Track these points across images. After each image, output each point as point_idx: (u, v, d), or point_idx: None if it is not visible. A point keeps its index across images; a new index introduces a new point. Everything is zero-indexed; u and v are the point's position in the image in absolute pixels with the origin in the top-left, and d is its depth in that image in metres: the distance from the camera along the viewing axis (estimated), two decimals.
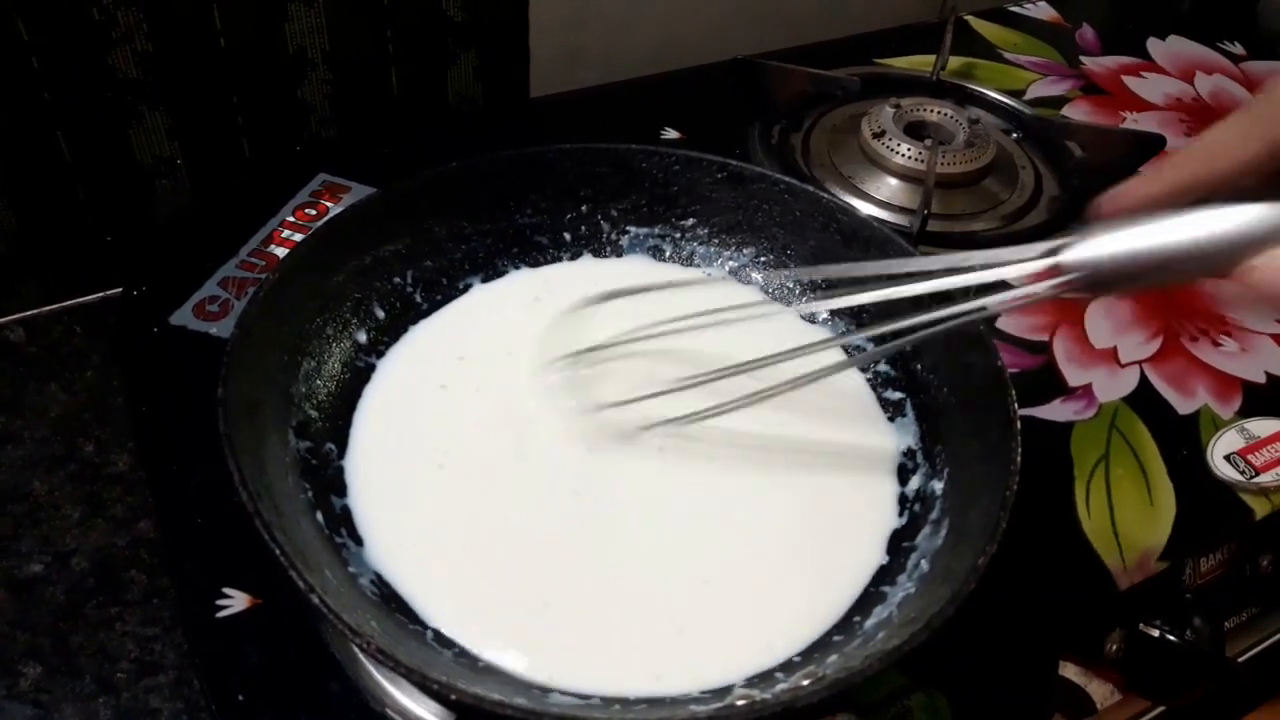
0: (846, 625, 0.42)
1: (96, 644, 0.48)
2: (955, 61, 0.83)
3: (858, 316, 0.54)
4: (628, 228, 0.58)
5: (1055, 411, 0.57)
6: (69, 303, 0.64)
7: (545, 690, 0.39)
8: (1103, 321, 0.63)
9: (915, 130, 0.72)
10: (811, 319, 0.56)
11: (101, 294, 0.65)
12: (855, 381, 0.53)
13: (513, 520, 0.45)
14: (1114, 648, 0.49)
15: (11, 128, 0.61)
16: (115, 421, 0.57)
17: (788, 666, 0.40)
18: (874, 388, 0.52)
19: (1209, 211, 0.30)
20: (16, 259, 0.65)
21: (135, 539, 0.52)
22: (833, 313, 0.55)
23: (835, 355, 0.53)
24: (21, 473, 0.55)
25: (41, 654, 0.48)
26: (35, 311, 0.64)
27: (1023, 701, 0.48)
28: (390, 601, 0.42)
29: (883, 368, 0.53)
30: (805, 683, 0.38)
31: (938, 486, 0.46)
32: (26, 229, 0.65)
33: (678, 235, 0.58)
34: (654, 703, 0.39)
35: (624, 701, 0.39)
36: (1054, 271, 0.34)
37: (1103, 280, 0.33)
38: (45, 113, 0.61)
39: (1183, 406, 0.58)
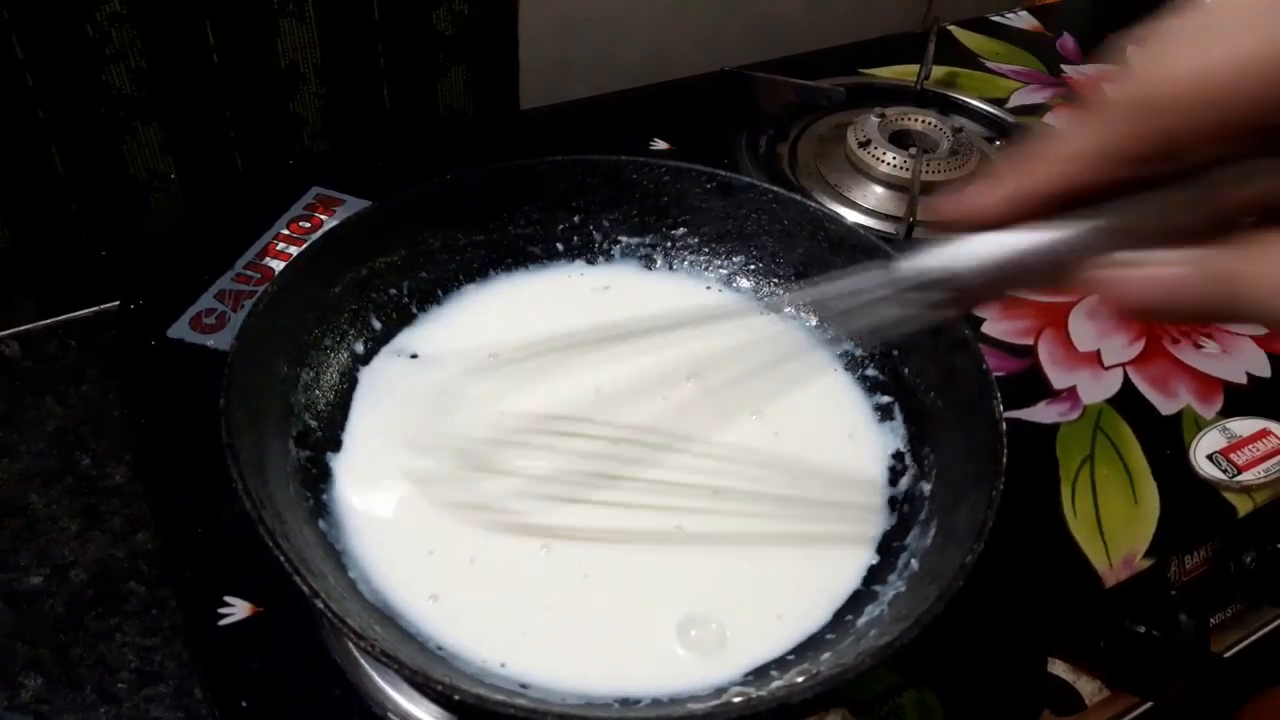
0: (839, 623, 0.43)
1: (96, 655, 0.48)
2: (939, 71, 0.84)
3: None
4: (619, 237, 0.59)
5: (1040, 413, 0.58)
6: (64, 317, 0.65)
7: (541, 693, 0.40)
8: (1086, 325, 0.64)
9: (900, 139, 0.73)
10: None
11: (96, 308, 0.65)
12: (845, 386, 0.54)
13: (505, 526, 0.46)
14: (1101, 645, 0.50)
15: (6, 144, 0.61)
16: (111, 434, 0.58)
17: (782, 664, 0.41)
18: (863, 391, 0.53)
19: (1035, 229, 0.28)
20: (11, 274, 0.65)
21: (133, 550, 0.53)
22: (820, 319, 0.56)
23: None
24: (19, 486, 0.55)
25: (42, 665, 0.48)
26: (30, 326, 0.64)
27: (1012, 698, 0.49)
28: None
29: (871, 372, 0.53)
30: (800, 679, 0.38)
31: (926, 488, 0.47)
32: (21, 244, 0.65)
33: (668, 244, 0.59)
34: (654, 701, 0.39)
35: (624, 700, 0.39)
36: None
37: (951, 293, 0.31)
38: (39, 129, 0.62)
39: (1165, 407, 0.59)
